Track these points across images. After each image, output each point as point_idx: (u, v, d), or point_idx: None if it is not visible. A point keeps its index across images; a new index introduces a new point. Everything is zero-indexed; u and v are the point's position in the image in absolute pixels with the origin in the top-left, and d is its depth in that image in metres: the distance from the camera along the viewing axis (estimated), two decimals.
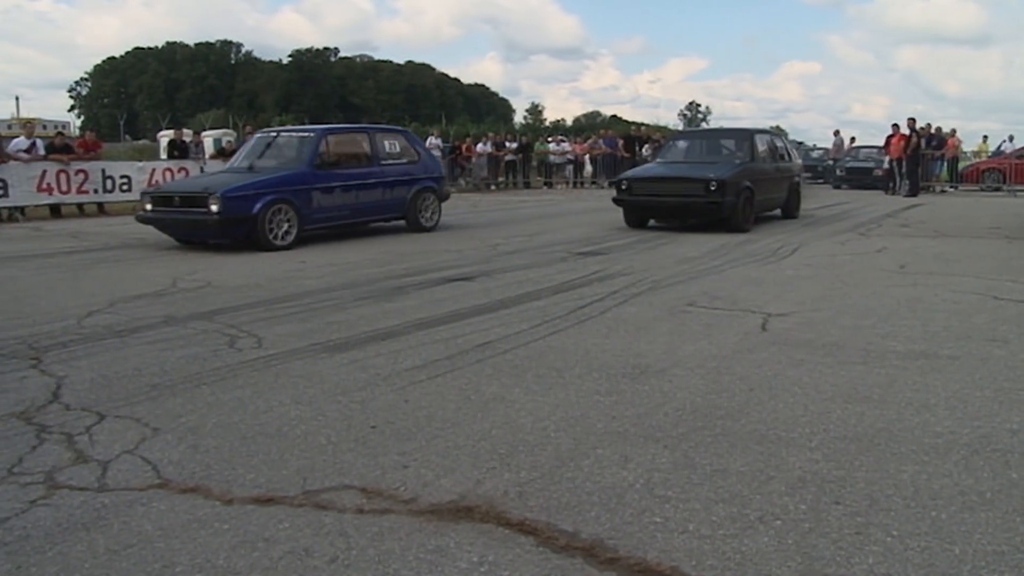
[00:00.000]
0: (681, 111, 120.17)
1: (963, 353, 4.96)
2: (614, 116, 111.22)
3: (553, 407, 3.99)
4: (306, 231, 11.15)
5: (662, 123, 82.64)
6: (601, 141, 28.35)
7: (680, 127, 76.49)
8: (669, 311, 6.29)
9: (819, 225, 13.58)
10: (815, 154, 32.36)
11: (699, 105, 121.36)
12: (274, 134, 13.13)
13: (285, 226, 10.74)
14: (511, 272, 8.31)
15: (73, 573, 2.51)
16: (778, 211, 14.70)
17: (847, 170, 26.44)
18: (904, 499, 2.94)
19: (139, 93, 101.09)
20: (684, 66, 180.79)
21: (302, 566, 2.51)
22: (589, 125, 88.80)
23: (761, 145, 13.91)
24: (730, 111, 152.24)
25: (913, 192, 21.51)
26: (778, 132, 15.77)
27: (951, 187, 23.72)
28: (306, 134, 12.30)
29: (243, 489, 3.08)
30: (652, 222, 13.37)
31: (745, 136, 14.00)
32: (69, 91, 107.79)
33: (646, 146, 26.24)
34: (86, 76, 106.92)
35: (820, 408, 3.95)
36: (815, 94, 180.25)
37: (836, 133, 31.99)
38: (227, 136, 31.40)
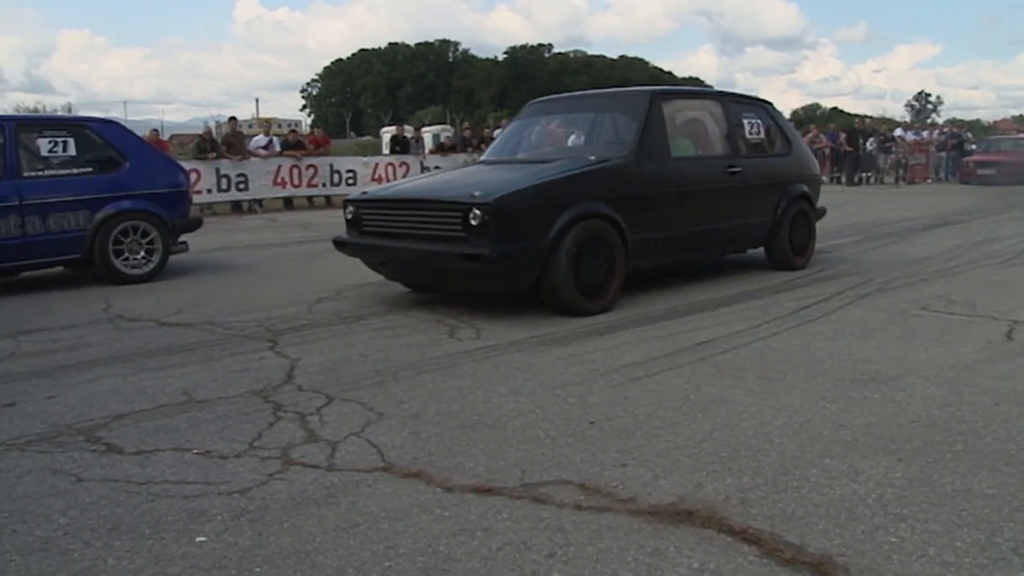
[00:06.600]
0: (908, 102, 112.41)
1: None
2: (835, 108, 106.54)
3: (776, 411, 3.82)
4: None
5: (887, 115, 78.02)
6: (822, 135, 27.15)
7: (907, 119, 71.21)
8: (899, 314, 5.90)
9: None
10: None
11: (929, 95, 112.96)
12: None
13: None
14: (728, 269, 8.07)
15: (305, 545, 2.63)
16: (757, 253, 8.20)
17: None
18: None
19: (363, 92, 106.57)
20: (912, 53, 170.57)
21: (520, 559, 2.52)
22: (808, 118, 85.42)
23: (679, 120, 7.33)
24: (964, 100, 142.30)
25: None
26: (766, 102, 8.40)
27: None
28: None
29: (463, 477, 3.14)
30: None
31: (637, 104, 6.96)
32: (301, 92, 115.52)
33: (871, 140, 24.89)
34: (316, 77, 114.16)
35: None
36: None
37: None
38: (445, 131, 32.50)
